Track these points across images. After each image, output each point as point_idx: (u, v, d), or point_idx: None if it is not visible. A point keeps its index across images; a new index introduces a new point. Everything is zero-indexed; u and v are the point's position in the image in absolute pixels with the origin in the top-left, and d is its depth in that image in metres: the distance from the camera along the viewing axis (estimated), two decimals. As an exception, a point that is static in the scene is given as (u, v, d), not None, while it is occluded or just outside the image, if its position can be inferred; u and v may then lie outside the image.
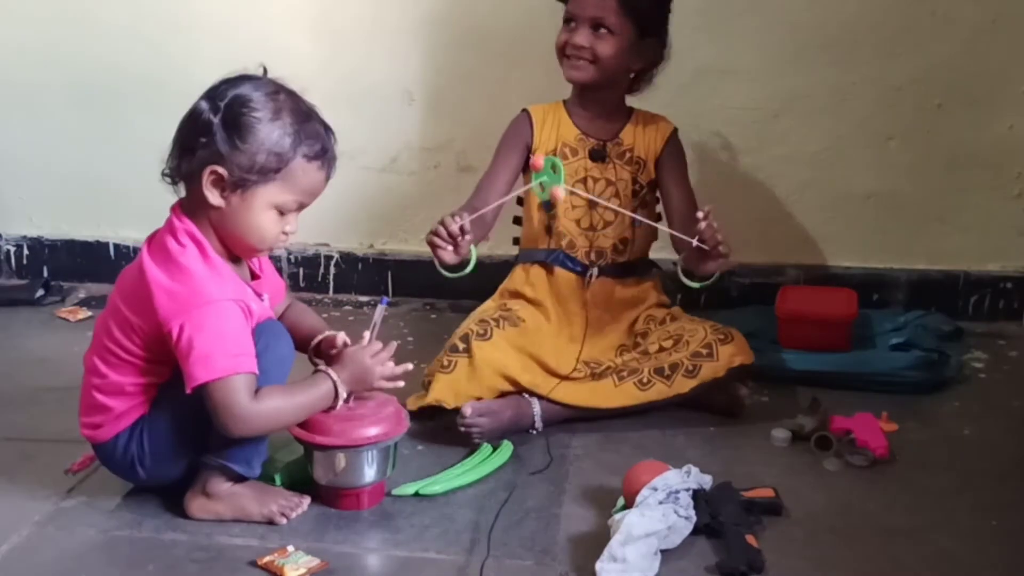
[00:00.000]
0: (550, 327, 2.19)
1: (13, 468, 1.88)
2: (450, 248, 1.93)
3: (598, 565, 1.54)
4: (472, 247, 1.97)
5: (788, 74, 2.57)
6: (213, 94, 1.64)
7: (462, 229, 1.92)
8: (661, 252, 2.31)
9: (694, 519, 1.65)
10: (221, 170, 1.61)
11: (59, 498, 1.78)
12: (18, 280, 2.91)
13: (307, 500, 1.75)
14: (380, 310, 1.76)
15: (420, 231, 2.77)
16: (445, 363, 2.02)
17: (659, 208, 2.27)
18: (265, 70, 1.69)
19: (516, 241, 2.30)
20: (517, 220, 2.28)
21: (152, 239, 1.69)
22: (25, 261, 2.94)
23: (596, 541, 1.60)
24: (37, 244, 2.93)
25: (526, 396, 2.04)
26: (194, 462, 1.70)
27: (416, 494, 1.79)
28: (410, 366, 1.76)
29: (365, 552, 1.65)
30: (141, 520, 1.71)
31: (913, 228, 2.64)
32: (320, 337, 1.80)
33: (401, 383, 1.75)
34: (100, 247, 2.90)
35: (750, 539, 1.61)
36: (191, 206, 1.67)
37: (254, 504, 1.71)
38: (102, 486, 1.79)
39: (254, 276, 1.77)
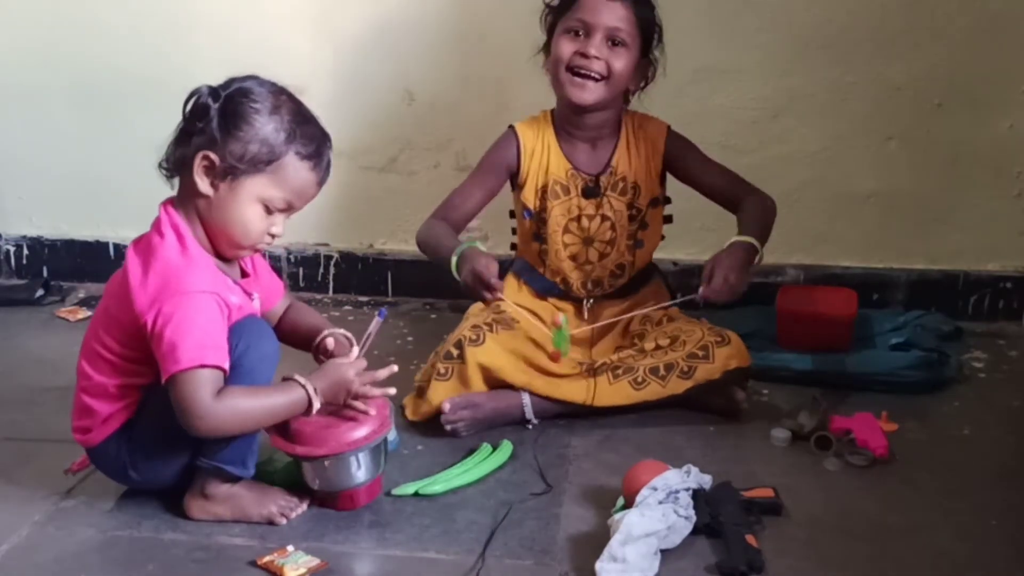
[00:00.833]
0: (542, 331, 2.18)
1: (13, 468, 1.88)
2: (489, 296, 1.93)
3: (598, 565, 1.54)
4: (479, 242, 2.01)
5: (788, 74, 2.57)
6: (218, 85, 1.65)
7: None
8: (660, 252, 2.32)
9: (694, 519, 1.65)
10: (213, 156, 1.61)
11: (59, 498, 1.78)
12: (18, 280, 2.91)
13: (306, 500, 1.75)
14: (376, 323, 1.76)
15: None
16: (442, 370, 2.02)
17: (665, 210, 2.24)
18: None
19: (514, 247, 2.30)
20: (514, 230, 2.28)
21: (139, 238, 1.69)
22: (25, 261, 2.94)
23: (596, 541, 1.60)
24: (37, 244, 2.93)
25: (515, 388, 2.03)
26: (188, 464, 1.70)
27: (416, 494, 1.79)
28: (392, 391, 1.73)
29: (365, 552, 1.65)
30: (141, 520, 1.71)
31: (913, 228, 2.64)
32: (321, 336, 1.80)
33: (377, 399, 1.72)
34: (100, 247, 2.90)
35: (750, 539, 1.61)
36: (181, 197, 1.68)
37: (253, 505, 1.71)
38: (102, 486, 1.79)
39: (244, 274, 1.76)
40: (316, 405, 1.66)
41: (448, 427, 1.97)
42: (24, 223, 2.94)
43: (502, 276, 2.24)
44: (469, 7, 2.63)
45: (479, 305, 2.20)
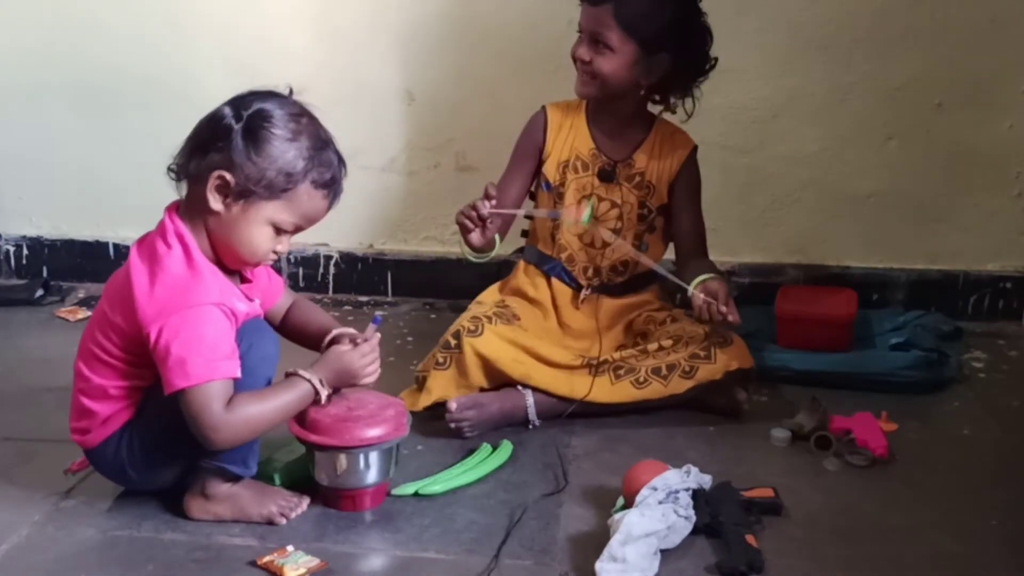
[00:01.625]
0: (547, 325, 2.19)
1: (13, 468, 1.87)
2: (478, 230, 2.00)
3: (598, 565, 1.54)
4: (496, 236, 2.05)
5: (788, 74, 2.58)
6: (239, 103, 1.64)
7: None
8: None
9: (694, 519, 1.65)
10: (229, 177, 1.60)
11: (58, 498, 1.78)
12: (17, 280, 2.91)
13: (306, 500, 1.75)
14: (371, 329, 1.76)
15: (420, 231, 2.81)
16: (440, 359, 2.03)
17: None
18: (291, 91, 1.69)
19: (525, 234, 2.30)
20: (528, 216, 2.28)
21: (142, 240, 1.68)
22: (24, 261, 2.94)
23: (596, 541, 1.60)
24: (37, 244, 2.93)
25: (519, 388, 2.04)
26: (188, 466, 1.69)
27: (416, 494, 1.79)
28: None
29: (365, 552, 1.65)
30: (140, 520, 1.71)
31: (913, 228, 2.64)
32: (331, 335, 1.79)
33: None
34: (100, 247, 2.90)
35: (750, 539, 1.61)
36: (189, 207, 1.67)
37: (253, 504, 1.71)
38: (101, 486, 1.78)
39: (244, 280, 1.76)
40: (324, 395, 1.68)
41: (452, 425, 1.97)
42: (24, 223, 2.94)
43: (508, 272, 2.26)
44: (469, 7, 2.63)
45: (481, 298, 2.22)
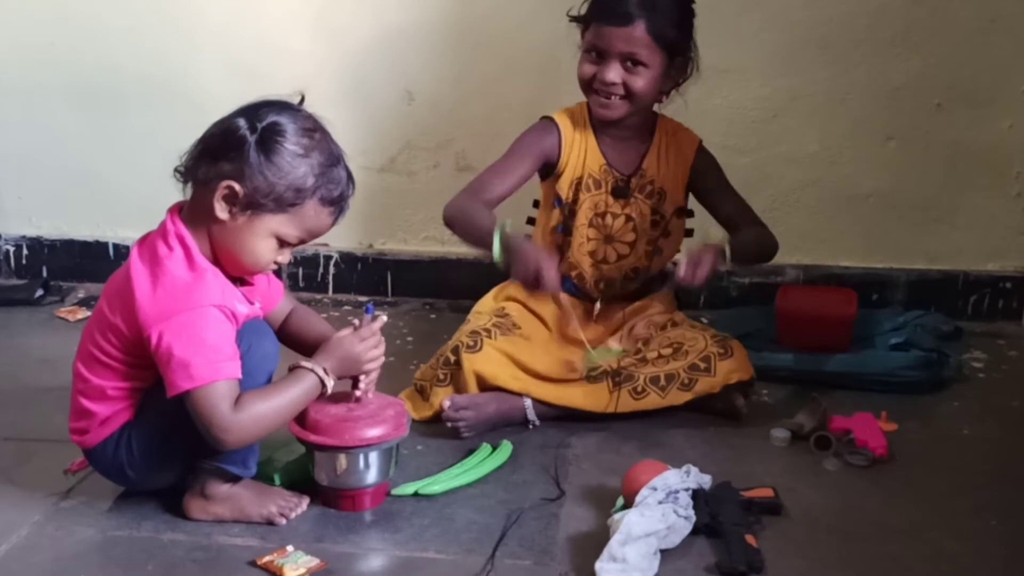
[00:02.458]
0: (546, 334, 2.18)
1: (12, 468, 1.87)
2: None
3: (598, 565, 1.54)
4: (507, 222, 2.00)
5: (788, 74, 2.58)
6: (252, 114, 1.63)
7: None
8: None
9: (694, 519, 1.64)
10: (238, 187, 1.60)
11: (58, 498, 1.77)
12: (17, 280, 2.91)
13: (306, 500, 1.75)
14: (367, 319, 1.76)
15: (420, 231, 2.81)
16: (441, 376, 2.03)
17: (687, 223, 2.23)
18: (303, 98, 1.69)
19: (528, 238, 2.29)
20: (531, 220, 2.27)
21: (143, 241, 1.68)
22: (24, 261, 2.94)
23: (596, 541, 1.60)
24: (36, 244, 2.93)
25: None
26: (187, 466, 1.69)
27: (415, 494, 1.79)
28: None
29: (364, 552, 1.65)
30: (140, 520, 1.71)
31: (913, 228, 2.64)
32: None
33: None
34: (99, 247, 2.89)
35: (750, 539, 1.61)
36: (192, 211, 1.66)
37: (253, 505, 1.71)
38: (101, 486, 1.78)
39: (244, 283, 1.75)
40: (330, 385, 1.68)
41: (449, 424, 1.97)
42: (24, 223, 2.94)
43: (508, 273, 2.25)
44: (469, 7, 2.63)
45: (479, 307, 2.21)
